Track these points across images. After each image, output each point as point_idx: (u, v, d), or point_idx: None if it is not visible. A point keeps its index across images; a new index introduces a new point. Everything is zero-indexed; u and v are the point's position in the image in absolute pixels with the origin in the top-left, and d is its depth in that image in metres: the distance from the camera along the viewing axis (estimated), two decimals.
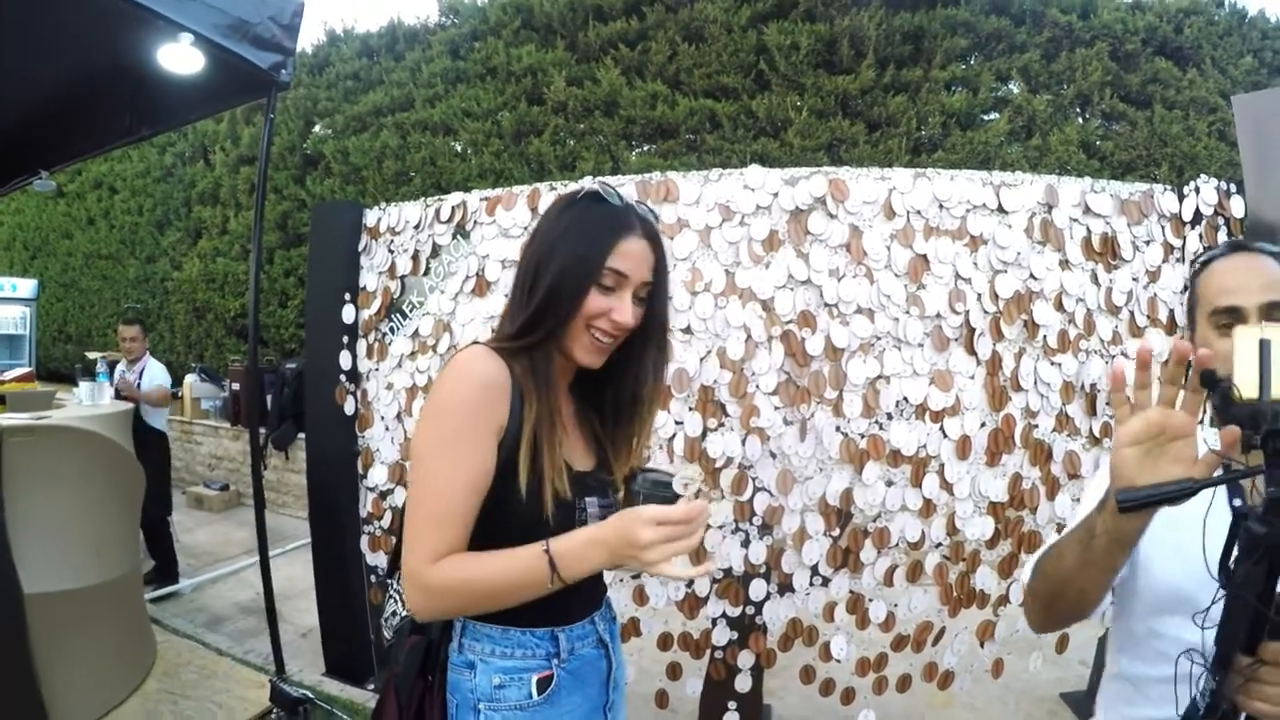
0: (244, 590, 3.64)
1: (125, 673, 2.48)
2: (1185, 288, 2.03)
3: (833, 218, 1.90)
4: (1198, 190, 2.03)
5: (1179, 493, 0.63)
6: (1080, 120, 5.04)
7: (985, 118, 5.01)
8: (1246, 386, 0.62)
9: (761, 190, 1.91)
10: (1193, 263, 1.06)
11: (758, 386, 1.91)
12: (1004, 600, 2.02)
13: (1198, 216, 2.03)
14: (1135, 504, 0.65)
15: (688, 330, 1.94)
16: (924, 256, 1.90)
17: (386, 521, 2.45)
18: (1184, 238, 2.04)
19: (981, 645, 2.04)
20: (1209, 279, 0.92)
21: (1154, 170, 4.69)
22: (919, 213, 1.90)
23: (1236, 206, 2.02)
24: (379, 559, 2.49)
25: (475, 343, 0.93)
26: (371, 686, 2.59)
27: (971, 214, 1.93)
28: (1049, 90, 4.96)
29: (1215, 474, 0.65)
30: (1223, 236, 2.03)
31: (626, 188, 1.99)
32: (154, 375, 3.75)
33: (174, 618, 3.25)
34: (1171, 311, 2.04)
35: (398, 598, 0.94)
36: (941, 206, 1.92)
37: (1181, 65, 4.87)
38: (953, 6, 4.92)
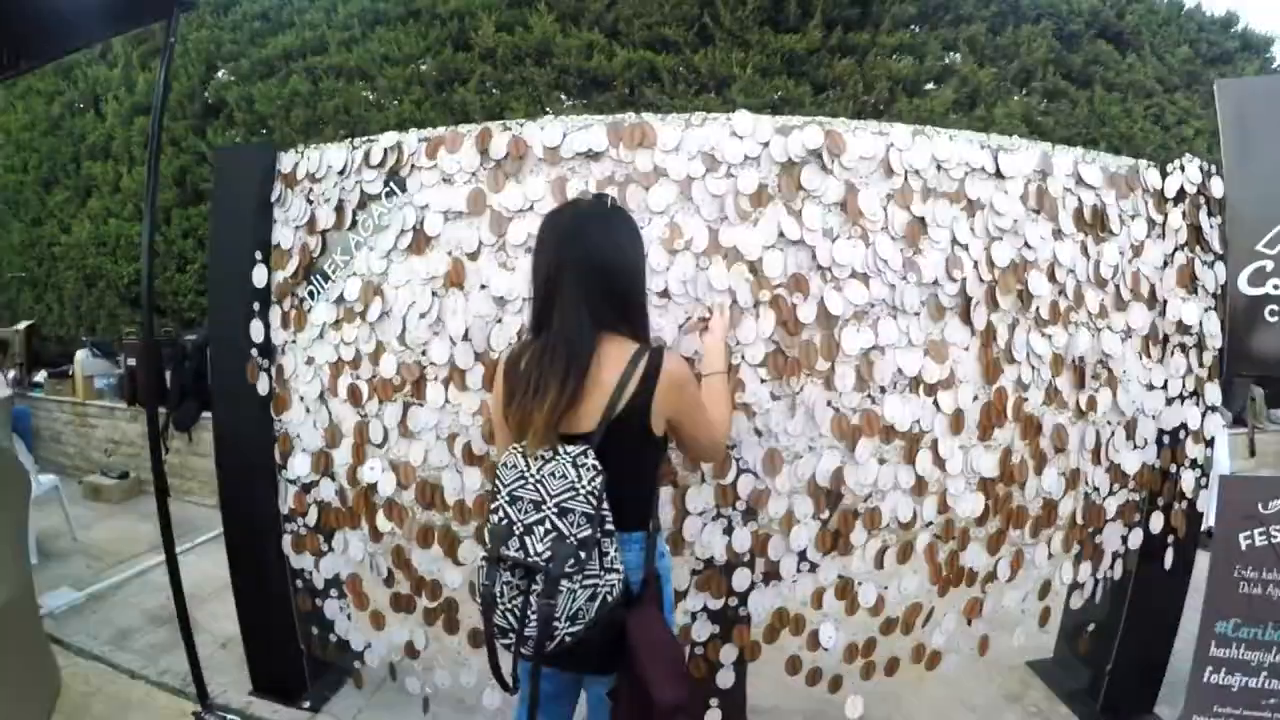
0: (153, 595, 3.20)
1: (23, 713, 2.05)
2: (1165, 263, 2.00)
3: (828, 173, 1.72)
4: (1183, 169, 2.00)
5: None
6: (1023, 95, 5.09)
7: (929, 87, 4.99)
8: None
9: (750, 139, 1.70)
10: None
11: (743, 358, 1.72)
12: (991, 577, 1.95)
13: (1181, 194, 1.99)
14: None
15: (665, 294, 1.72)
16: (921, 219, 1.75)
17: (312, 518, 2.14)
18: (1165, 214, 2.00)
19: (969, 623, 1.97)
20: None
21: (1092, 149, 4.78)
22: (918, 173, 1.75)
23: (1217, 187, 2.01)
24: (305, 561, 2.18)
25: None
26: (307, 705, 2.29)
27: (970, 177, 1.79)
28: (994, 64, 4.97)
29: None
30: (1204, 216, 2.00)
31: (595, 130, 1.75)
32: None
33: (76, 635, 2.82)
34: (1153, 286, 2.00)
35: (576, 592, 1.16)
36: (940, 167, 1.77)
37: (1121, 49, 4.99)
38: None
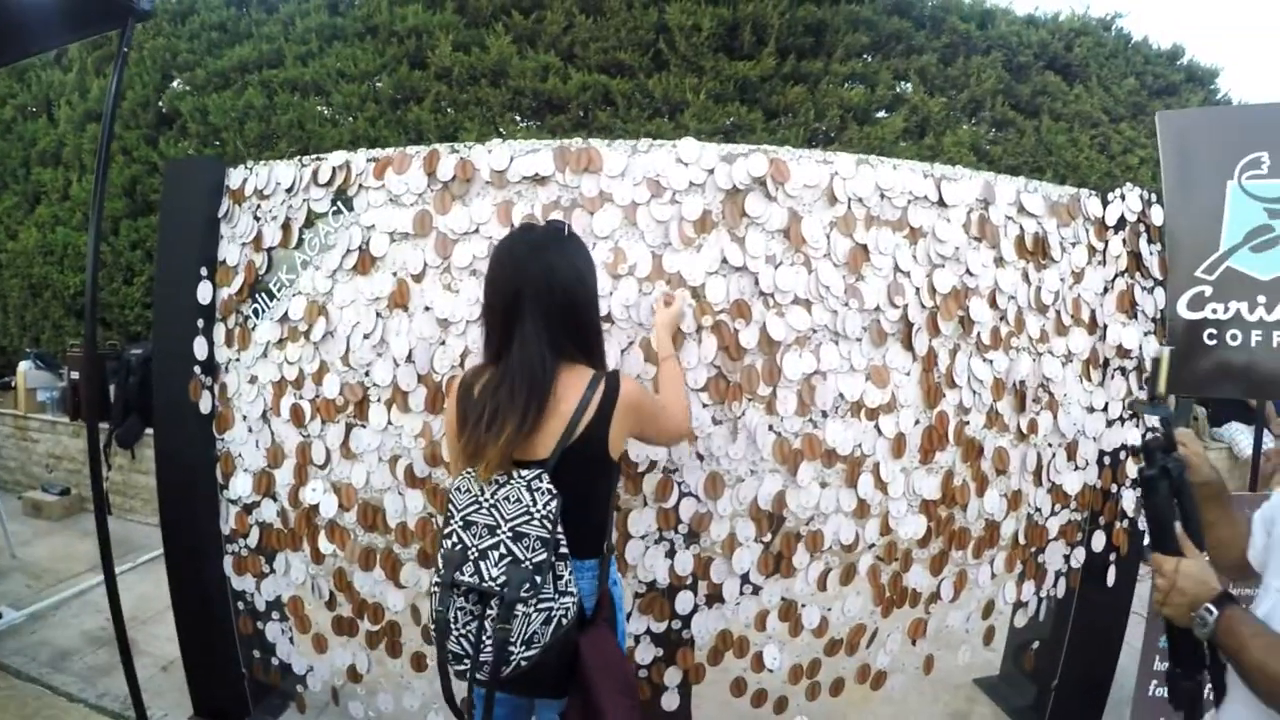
0: (92, 616, 3.10)
1: None
2: (1105, 289, 2.07)
3: (772, 200, 1.74)
4: (1123, 197, 2.06)
5: None
6: (972, 124, 5.25)
7: (880, 115, 5.11)
8: None
9: (696, 165, 1.72)
10: None
11: (685, 382, 1.73)
12: (935, 597, 1.98)
13: (1121, 222, 2.06)
14: None
15: (608, 318, 1.72)
16: (864, 247, 1.79)
17: (254, 539, 2.09)
18: (1106, 242, 2.06)
19: (913, 643, 1.99)
20: None
21: (1038, 177, 4.96)
22: (861, 201, 1.79)
23: (1156, 215, 2.08)
24: (246, 583, 2.12)
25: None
26: None
27: (913, 205, 1.83)
28: (944, 93, 5.12)
29: None
30: (1144, 243, 2.07)
31: (542, 154, 1.76)
32: None
33: (14, 655, 2.73)
34: (1093, 311, 2.06)
35: (531, 616, 1.16)
36: (883, 196, 1.81)
37: (1069, 80, 5.18)
38: (855, 3, 4.97)
